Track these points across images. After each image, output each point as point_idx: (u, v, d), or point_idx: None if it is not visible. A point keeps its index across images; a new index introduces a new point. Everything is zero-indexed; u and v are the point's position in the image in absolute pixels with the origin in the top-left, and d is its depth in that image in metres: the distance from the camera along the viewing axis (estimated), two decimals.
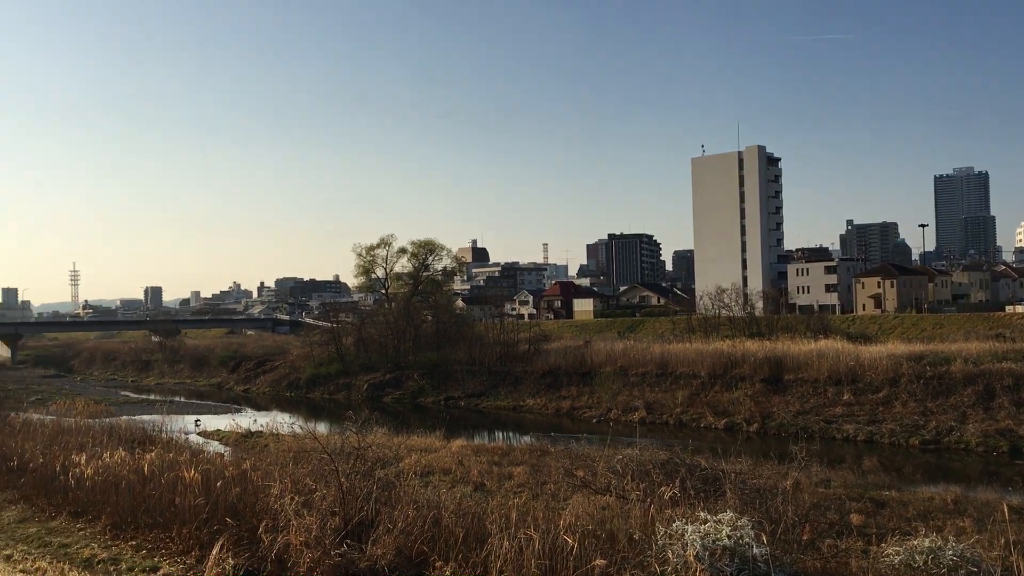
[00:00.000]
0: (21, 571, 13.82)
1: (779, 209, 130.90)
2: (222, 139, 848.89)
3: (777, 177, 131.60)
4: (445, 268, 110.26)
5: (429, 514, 13.26)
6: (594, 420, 55.45)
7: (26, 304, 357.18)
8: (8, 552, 15.06)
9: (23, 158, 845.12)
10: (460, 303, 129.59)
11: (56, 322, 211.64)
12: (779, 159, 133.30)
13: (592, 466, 22.06)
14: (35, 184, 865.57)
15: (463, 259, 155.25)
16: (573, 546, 11.24)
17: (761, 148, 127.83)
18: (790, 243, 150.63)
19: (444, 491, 19.47)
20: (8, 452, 21.71)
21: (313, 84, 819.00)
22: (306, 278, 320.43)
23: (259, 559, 12.94)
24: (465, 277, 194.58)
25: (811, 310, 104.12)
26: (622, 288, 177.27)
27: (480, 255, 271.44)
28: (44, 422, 30.48)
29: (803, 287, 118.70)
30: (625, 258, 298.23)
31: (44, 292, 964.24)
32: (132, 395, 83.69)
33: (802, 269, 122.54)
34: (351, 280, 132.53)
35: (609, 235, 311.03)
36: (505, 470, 28.74)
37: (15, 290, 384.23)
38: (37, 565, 14.10)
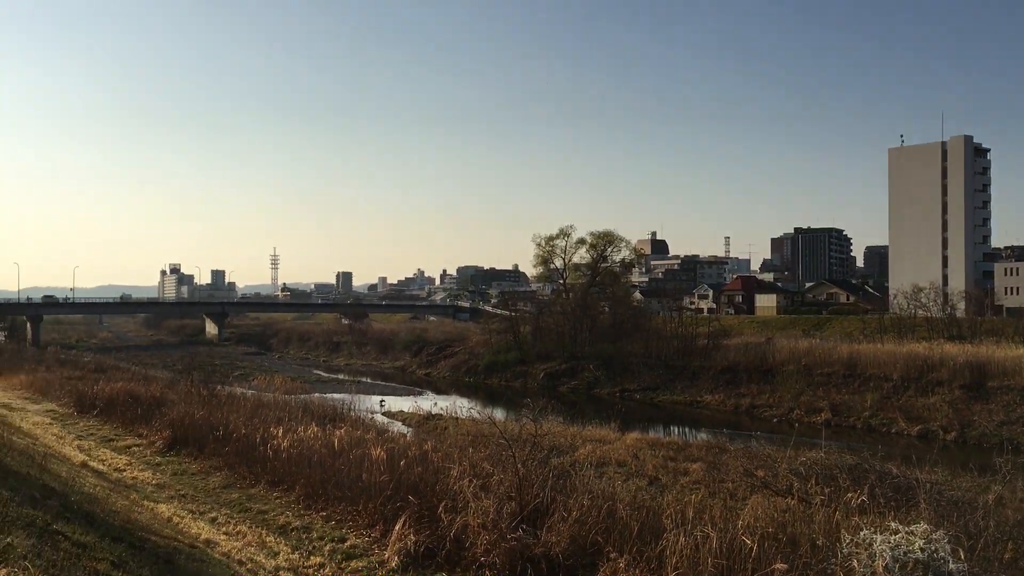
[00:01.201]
0: (224, 533, 14.95)
1: (986, 203, 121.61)
2: (408, 135, 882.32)
3: (986, 169, 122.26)
4: (623, 260, 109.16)
5: (604, 505, 13.29)
6: (774, 420, 53.68)
7: (231, 285, 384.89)
8: (214, 515, 16.33)
9: (230, 152, 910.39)
10: (638, 295, 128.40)
11: (257, 303, 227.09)
12: (988, 149, 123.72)
13: (773, 467, 21.35)
14: (242, 175, 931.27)
15: (642, 251, 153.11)
16: (752, 547, 10.95)
17: (968, 138, 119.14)
18: (998, 240, 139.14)
19: (619, 483, 19.45)
20: (215, 422, 23.45)
21: (490, 81, 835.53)
22: (486, 266, 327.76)
23: (438, 537, 13.39)
24: (643, 269, 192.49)
25: (1020, 313, 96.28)
26: (808, 284, 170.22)
27: (659, 247, 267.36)
28: (246, 396, 32.73)
29: (1012, 288, 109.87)
30: (812, 253, 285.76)
31: (248, 274, 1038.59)
32: (323, 374, 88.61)
33: (1011, 268, 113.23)
34: (529, 270, 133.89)
35: (795, 229, 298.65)
36: (680, 466, 28.30)
37: (222, 272, 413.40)
38: (238, 529, 15.22)
